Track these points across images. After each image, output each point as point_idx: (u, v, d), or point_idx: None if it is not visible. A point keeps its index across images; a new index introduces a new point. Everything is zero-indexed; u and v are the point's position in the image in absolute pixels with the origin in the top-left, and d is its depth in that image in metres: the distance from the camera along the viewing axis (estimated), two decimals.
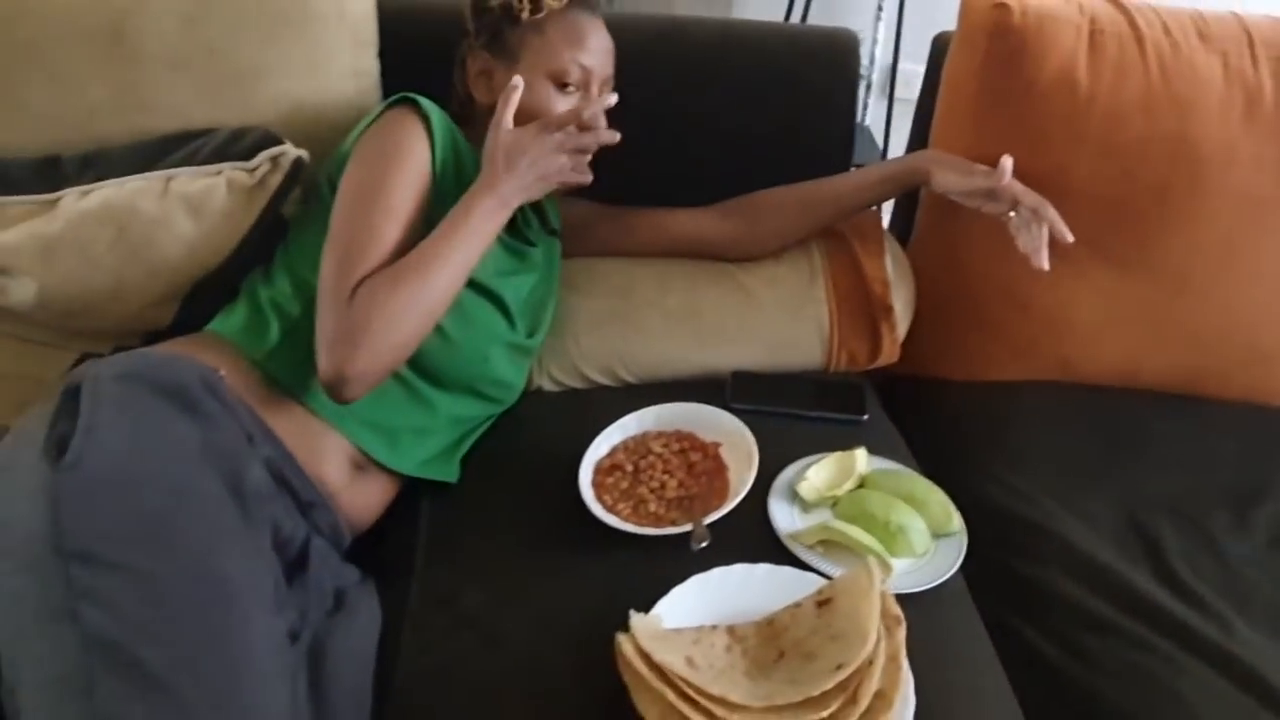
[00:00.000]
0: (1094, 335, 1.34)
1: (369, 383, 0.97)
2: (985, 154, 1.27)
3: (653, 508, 1.07)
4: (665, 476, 1.10)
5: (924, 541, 1.06)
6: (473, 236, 1.02)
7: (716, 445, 1.15)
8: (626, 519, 1.05)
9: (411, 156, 1.05)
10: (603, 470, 1.12)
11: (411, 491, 1.16)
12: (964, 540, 1.07)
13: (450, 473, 1.16)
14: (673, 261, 1.37)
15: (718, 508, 1.05)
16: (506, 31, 1.14)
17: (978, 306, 1.36)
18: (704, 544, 1.01)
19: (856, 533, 1.04)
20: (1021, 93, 1.23)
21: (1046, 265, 1.14)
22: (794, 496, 1.11)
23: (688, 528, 1.02)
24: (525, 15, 1.12)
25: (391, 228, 1.01)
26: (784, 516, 1.09)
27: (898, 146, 2.49)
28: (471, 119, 1.18)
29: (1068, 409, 1.35)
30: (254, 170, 1.12)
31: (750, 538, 1.06)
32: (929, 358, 1.42)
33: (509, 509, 1.12)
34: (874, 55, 2.85)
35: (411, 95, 1.09)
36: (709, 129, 1.42)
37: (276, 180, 1.13)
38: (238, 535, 0.84)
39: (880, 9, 2.78)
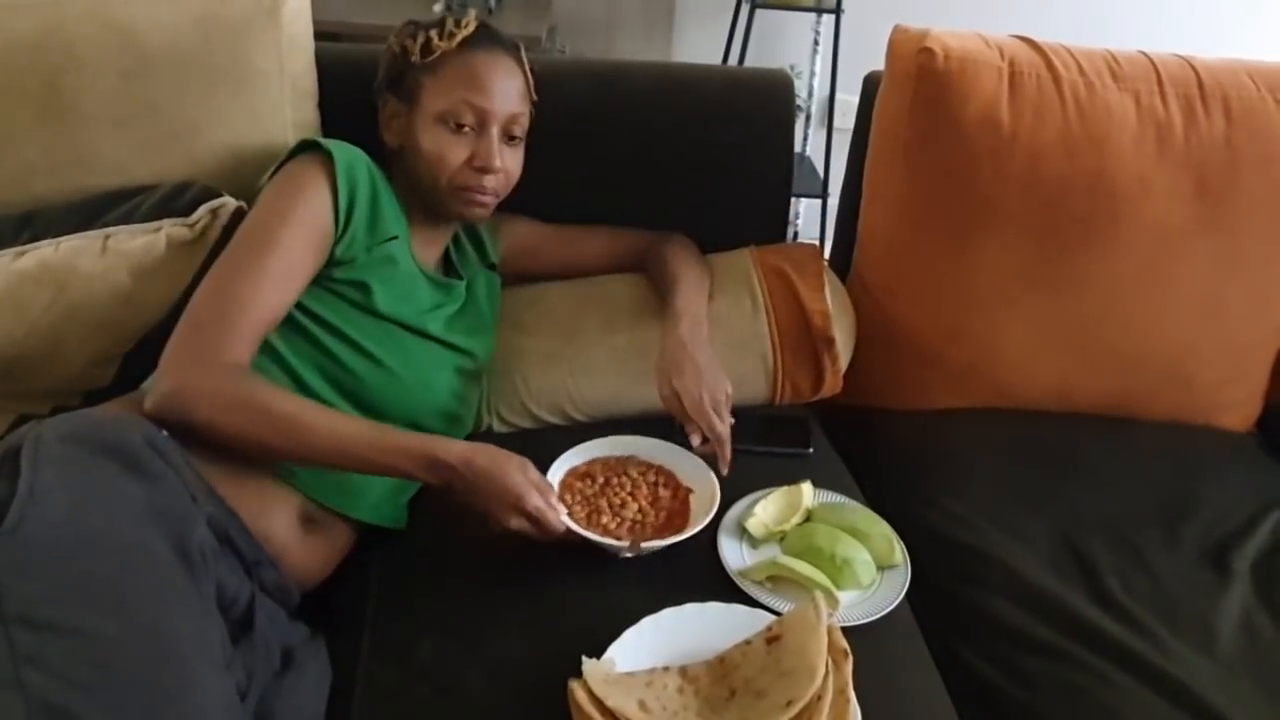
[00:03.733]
0: (1026, 362, 1.39)
1: (186, 418, 0.96)
2: (917, 191, 1.32)
3: (605, 519, 1.10)
4: (628, 497, 1.13)
5: (869, 573, 1.09)
6: (373, 460, 1.00)
7: (688, 491, 1.16)
8: (575, 519, 1.06)
9: (303, 208, 1.06)
10: (576, 473, 1.15)
11: (362, 542, 1.16)
12: (907, 571, 1.11)
13: (399, 518, 1.16)
14: (619, 299, 1.39)
15: (661, 538, 1.07)
16: (406, 74, 1.16)
17: (914, 337, 1.40)
18: (629, 554, 1.04)
19: (803, 567, 1.06)
20: (948, 133, 1.28)
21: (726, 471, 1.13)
22: (743, 533, 1.13)
23: (626, 543, 1.05)
24: (416, 58, 1.14)
25: (268, 282, 1.03)
26: (733, 553, 1.11)
27: (838, 173, 2.56)
28: (398, 162, 1.20)
29: (1004, 434, 1.40)
30: (194, 225, 1.13)
31: (701, 575, 1.08)
32: (870, 388, 1.46)
33: (459, 555, 1.12)
34: (812, 87, 2.92)
35: (317, 140, 1.11)
36: (650, 171, 1.45)
37: (216, 233, 1.13)
38: (185, 595, 0.83)
39: (817, 43, 2.86)
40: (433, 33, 1.16)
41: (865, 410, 1.47)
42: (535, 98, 1.24)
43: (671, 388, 1.14)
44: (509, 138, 1.19)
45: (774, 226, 1.53)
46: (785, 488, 1.19)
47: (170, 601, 0.82)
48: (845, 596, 1.06)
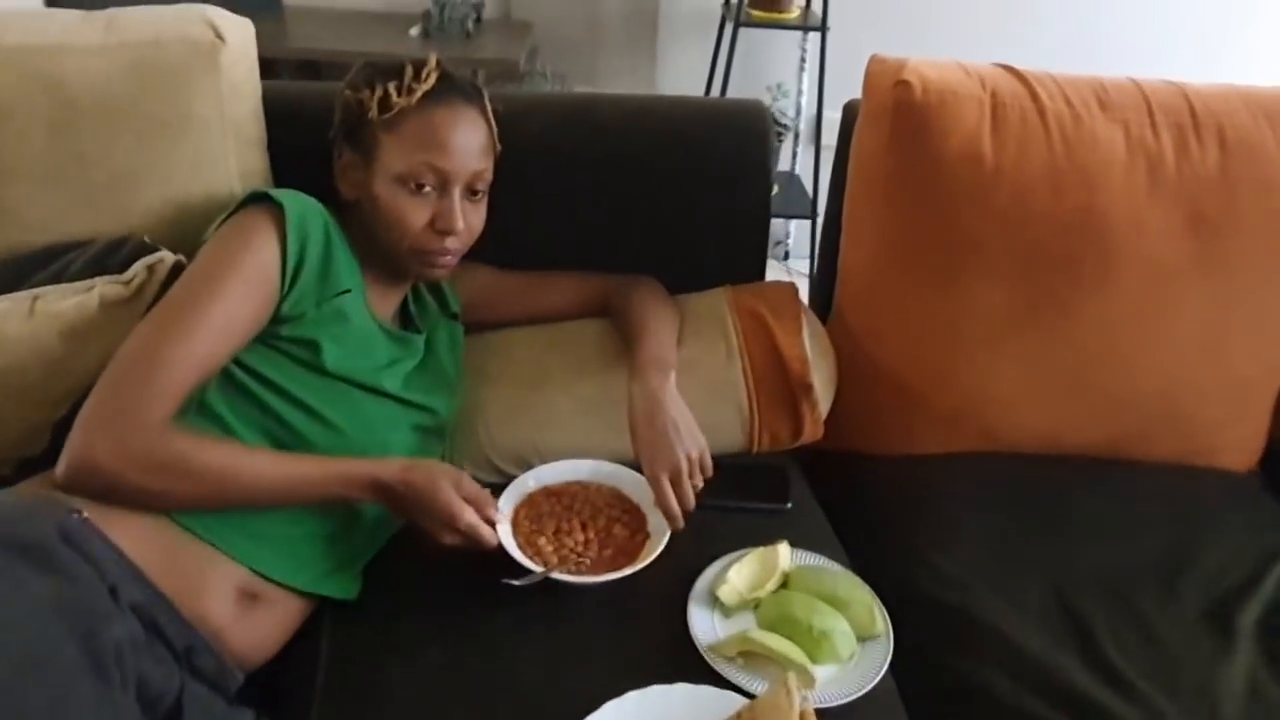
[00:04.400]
0: (1015, 406, 1.32)
1: (103, 483, 0.93)
2: (897, 229, 1.26)
3: (542, 541, 1.08)
4: (578, 527, 1.11)
5: (848, 645, 1.02)
6: (311, 493, 1.01)
7: (645, 537, 1.11)
8: (519, 531, 1.08)
9: (248, 261, 1.01)
10: (549, 490, 1.16)
11: (314, 614, 1.09)
12: (889, 642, 1.04)
13: (349, 589, 1.10)
14: (585, 345, 1.33)
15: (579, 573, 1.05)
16: (363, 127, 1.10)
17: (899, 381, 1.34)
18: (515, 582, 1.02)
19: (777, 642, 0.99)
20: (929, 168, 1.22)
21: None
22: (715, 601, 1.07)
23: (539, 570, 1.03)
24: (374, 114, 1.08)
25: (201, 337, 0.98)
26: (704, 625, 1.04)
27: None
28: (354, 213, 1.14)
29: (993, 482, 1.33)
30: (129, 282, 1.07)
31: (670, 648, 1.02)
32: (854, 433, 1.39)
33: (414, 628, 1.05)
34: (800, 105, 2.87)
35: (267, 191, 1.06)
36: (620, 210, 1.39)
37: (154, 290, 1.07)
38: (91, 703, 0.77)
39: (804, 60, 2.80)
40: (391, 86, 1.08)
41: (849, 455, 1.41)
42: (499, 147, 1.17)
43: (652, 464, 1.08)
44: (471, 193, 1.13)
45: (752, 263, 1.47)
46: (761, 549, 1.12)
47: (73, 713, 0.76)
48: (823, 671, 1.00)
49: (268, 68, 2.45)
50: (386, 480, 0.98)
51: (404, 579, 1.12)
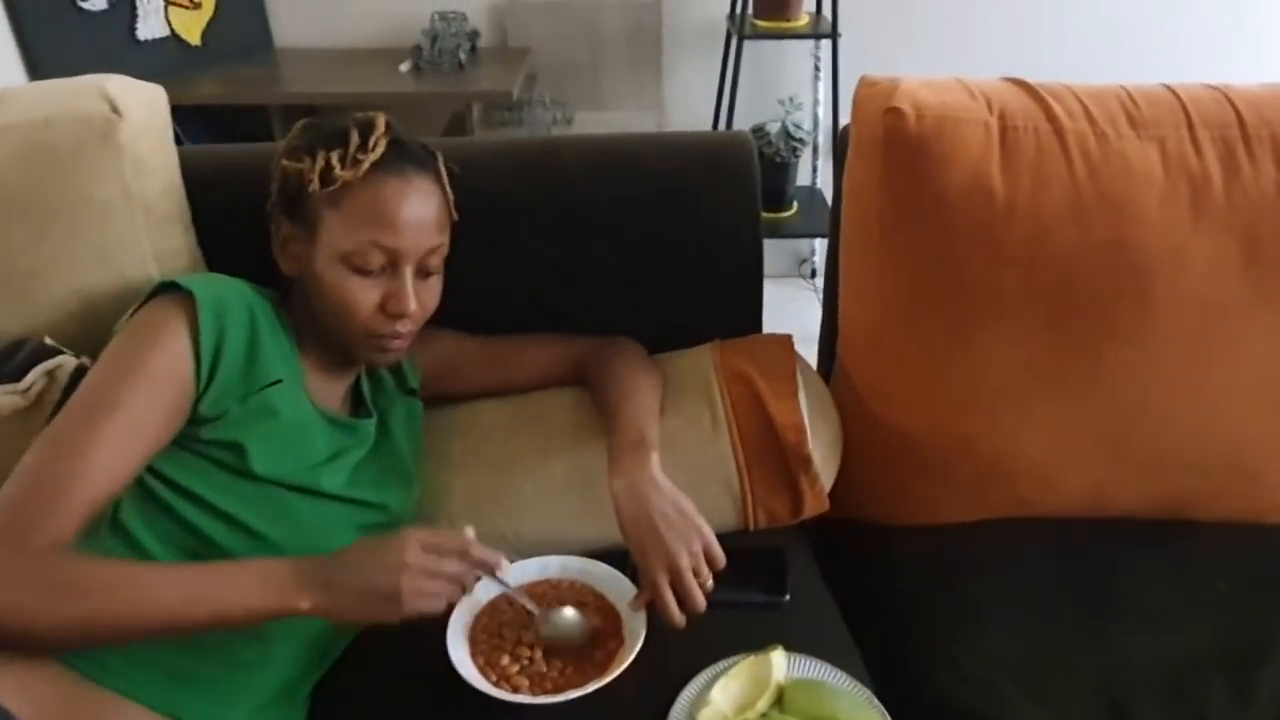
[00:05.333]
0: (1048, 474, 1.15)
1: None
2: (897, 278, 1.10)
3: (505, 660, 0.95)
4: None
5: None
6: (218, 607, 0.85)
7: (619, 644, 0.97)
8: (476, 659, 0.95)
9: (154, 361, 0.91)
10: (532, 589, 1.02)
11: None
12: None
13: (295, 717, 0.98)
14: (554, 419, 1.19)
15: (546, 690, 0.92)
16: (303, 200, 0.98)
17: (912, 447, 1.17)
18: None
19: None
20: (929, 206, 1.05)
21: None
22: None
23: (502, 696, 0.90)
24: (315, 187, 0.95)
25: (101, 452, 0.87)
26: None
27: None
28: (296, 289, 1.03)
29: (1026, 556, 1.16)
30: (26, 390, 0.96)
31: None
32: (868, 502, 1.24)
33: None
34: (817, 117, 2.71)
35: (176, 280, 0.95)
36: (593, 264, 1.26)
37: (55, 397, 0.97)
38: None
39: (818, 69, 2.64)
40: (334, 156, 0.96)
41: (863, 526, 1.25)
42: (455, 216, 1.05)
43: (646, 567, 0.96)
44: (425, 274, 1.01)
45: (745, 312, 1.32)
46: (752, 659, 0.97)
47: None
48: None
49: (261, 114, 2.37)
50: (312, 562, 0.85)
51: (356, 702, 1.00)
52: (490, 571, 0.91)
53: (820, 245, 2.92)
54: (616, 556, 1.06)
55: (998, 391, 1.06)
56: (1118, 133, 1.06)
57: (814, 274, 3.02)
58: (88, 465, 0.87)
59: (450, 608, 0.90)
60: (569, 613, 0.98)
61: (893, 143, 1.05)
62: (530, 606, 0.97)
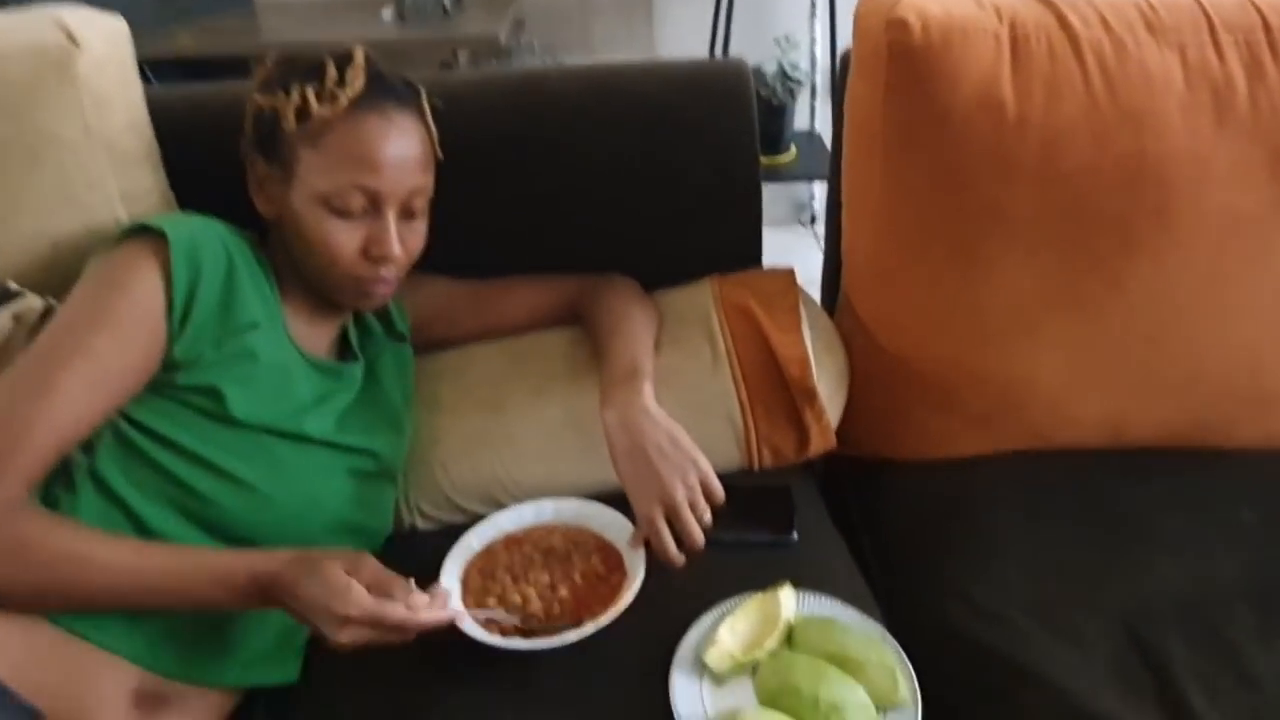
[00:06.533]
0: (1064, 403, 1.11)
1: None
2: (902, 201, 1.05)
3: (492, 601, 0.91)
4: (544, 579, 0.94)
5: None
6: (175, 590, 0.82)
7: (621, 578, 0.93)
8: (470, 590, 0.92)
9: (123, 305, 0.86)
10: (513, 539, 0.99)
11: (246, 702, 0.94)
12: (918, 713, 0.85)
13: (288, 671, 0.95)
14: (550, 361, 1.15)
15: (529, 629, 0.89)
16: (279, 138, 0.92)
17: (921, 378, 1.13)
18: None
19: None
20: (935, 124, 1.00)
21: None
22: (703, 667, 0.89)
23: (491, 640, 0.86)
24: (290, 127, 0.90)
25: (65, 399, 0.83)
26: (689, 699, 0.86)
27: None
28: (275, 231, 0.98)
29: (1042, 486, 1.12)
30: None
31: None
32: (876, 436, 1.20)
33: (361, 711, 0.90)
34: (814, 56, 2.63)
35: (147, 222, 0.90)
36: (584, 200, 1.21)
37: (22, 344, 0.92)
38: None
39: (814, 6, 2.56)
40: (309, 91, 0.90)
41: (872, 461, 1.21)
42: (440, 155, 0.99)
43: (640, 502, 0.92)
44: (409, 215, 0.96)
45: (745, 249, 1.27)
46: (759, 597, 0.94)
47: None
48: None
49: (243, 65, 2.30)
50: (269, 571, 0.79)
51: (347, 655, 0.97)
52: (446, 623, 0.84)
53: (820, 190, 2.86)
54: (619, 501, 1.02)
55: (1010, 317, 1.02)
56: (1136, 40, 1.00)
57: (813, 220, 2.95)
58: (47, 413, 0.83)
59: None
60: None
61: (896, 57, 0.99)
62: (496, 617, 0.90)
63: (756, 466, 1.14)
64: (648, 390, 0.97)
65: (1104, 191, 0.99)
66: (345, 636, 0.77)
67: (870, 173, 1.05)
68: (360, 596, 0.76)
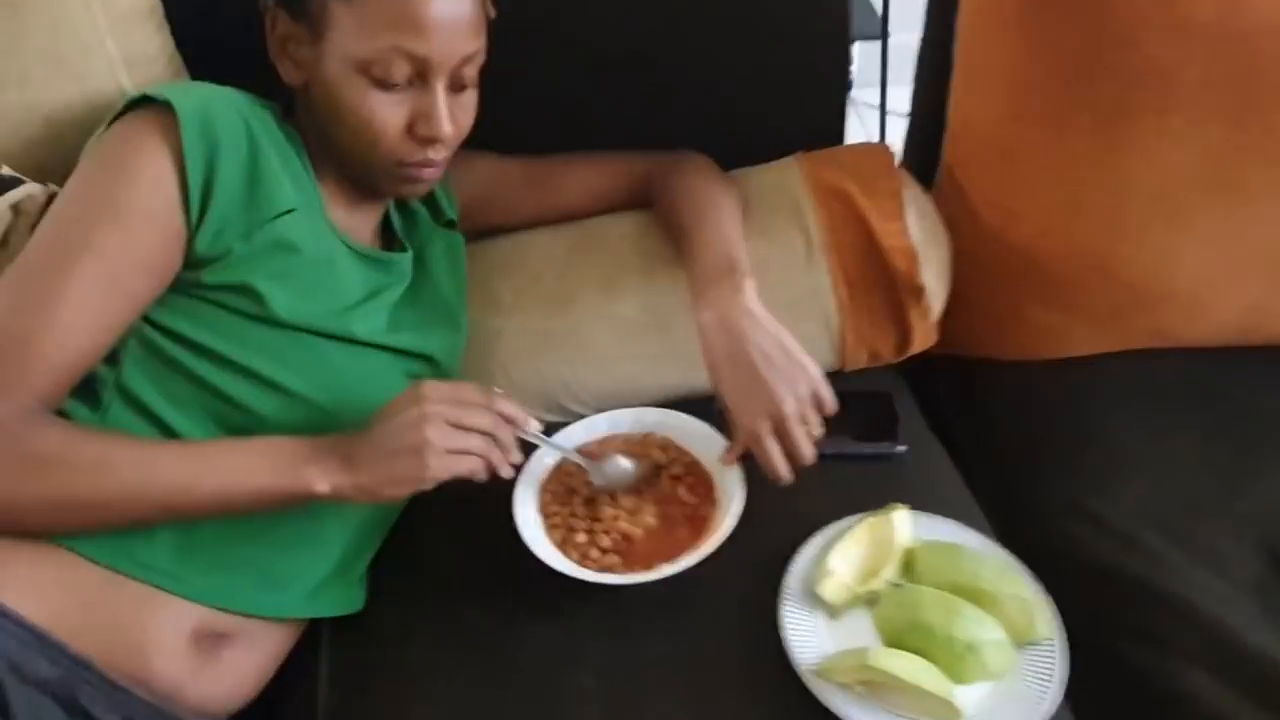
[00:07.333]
0: (1199, 300, 0.98)
1: None
2: (1042, 58, 0.89)
3: (581, 537, 0.84)
4: (626, 504, 0.86)
5: (1003, 660, 0.75)
6: (217, 491, 0.74)
7: (712, 507, 0.85)
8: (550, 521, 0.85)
9: (129, 192, 0.75)
10: (587, 455, 0.87)
11: (310, 634, 0.87)
12: (1064, 649, 0.76)
13: (352, 600, 0.87)
14: (621, 250, 1.03)
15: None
16: None
17: (1042, 271, 1.00)
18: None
19: (910, 668, 0.73)
20: None
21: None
22: (815, 600, 0.80)
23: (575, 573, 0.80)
24: None
25: (72, 305, 0.73)
26: (804, 637, 0.78)
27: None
28: (303, 101, 0.84)
29: (1168, 392, 1.01)
30: None
31: (759, 675, 0.77)
32: (978, 334, 1.08)
33: (433, 648, 0.83)
34: None
35: (151, 93, 0.76)
36: (647, 64, 1.06)
37: (23, 236, 0.80)
38: None
39: None
40: None
41: (971, 363, 1.10)
42: (493, 14, 0.83)
43: (744, 414, 0.83)
44: (459, 87, 0.82)
45: (827, 116, 1.13)
46: (870, 520, 0.85)
47: None
48: (972, 694, 0.74)
49: None
50: (329, 439, 0.75)
51: (414, 584, 0.89)
52: (520, 426, 0.77)
53: (861, 51, 2.64)
54: (697, 406, 0.92)
55: (1155, 202, 0.89)
56: None
57: (850, 88, 2.75)
58: (54, 322, 0.72)
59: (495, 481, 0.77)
60: (622, 461, 0.86)
61: None
62: (579, 461, 0.85)
63: (848, 368, 1.03)
64: (749, 288, 0.85)
65: None
66: (432, 433, 0.71)
67: (1001, 28, 0.89)
68: (431, 385, 0.73)
